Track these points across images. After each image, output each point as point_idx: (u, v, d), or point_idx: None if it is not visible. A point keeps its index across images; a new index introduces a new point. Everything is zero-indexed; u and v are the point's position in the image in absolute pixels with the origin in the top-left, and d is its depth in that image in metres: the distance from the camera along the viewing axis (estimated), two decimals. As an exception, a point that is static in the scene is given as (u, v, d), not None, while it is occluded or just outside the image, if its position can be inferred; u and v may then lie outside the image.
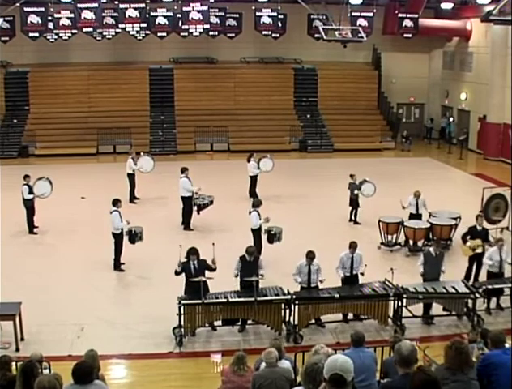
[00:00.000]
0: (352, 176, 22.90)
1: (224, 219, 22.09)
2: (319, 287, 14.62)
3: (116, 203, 18.34)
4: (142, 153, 25.73)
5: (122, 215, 18.14)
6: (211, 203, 21.95)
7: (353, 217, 22.71)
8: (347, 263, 15.01)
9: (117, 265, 18.21)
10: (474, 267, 16.60)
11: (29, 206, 21.33)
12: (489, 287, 14.92)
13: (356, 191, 22.34)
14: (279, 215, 22.28)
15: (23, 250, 19.46)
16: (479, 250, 16.54)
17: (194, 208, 21.57)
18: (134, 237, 18.14)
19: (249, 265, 14.40)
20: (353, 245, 15.06)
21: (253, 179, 25.03)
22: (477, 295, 14.50)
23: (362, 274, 14.93)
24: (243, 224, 19.49)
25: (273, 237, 18.22)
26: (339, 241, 18.90)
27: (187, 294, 14.00)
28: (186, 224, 21.51)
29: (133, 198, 24.49)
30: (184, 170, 21.74)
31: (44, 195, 21.52)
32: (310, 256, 14.39)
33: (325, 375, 5.59)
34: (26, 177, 21.56)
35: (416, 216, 20.19)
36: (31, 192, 21.25)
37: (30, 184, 21.40)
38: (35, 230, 21.38)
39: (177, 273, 14.30)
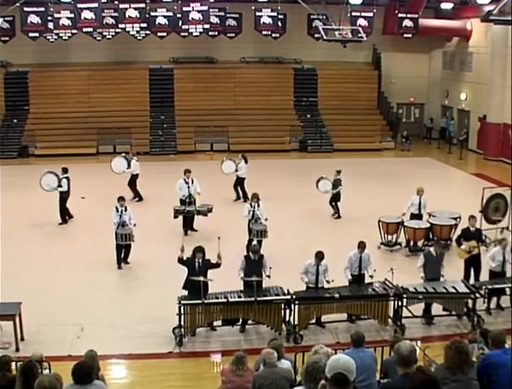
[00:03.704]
0: (338, 172, 23.43)
1: (224, 219, 22.01)
2: (325, 287, 14.64)
3: (118, 200, 18.98)
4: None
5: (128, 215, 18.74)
6: (202, 213, 21.22)
7: (337, 211, 23.37)
8: (355, 263, 15.07)
9: (118, 262, 18.47)
10: (472, 269, 16.52)
11: (66, 197, 22.30)
12: (490, 287, 14.93)
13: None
14: (279, 214, 22.34)
15: (22, 249, 19.44)
16: (475, 252, 16.50)
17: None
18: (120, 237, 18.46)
19: (254, 264, 14.43)
20: (362, 245, 15.11)
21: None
22: (477, 295, 14.51)
23: (371, 277, 14.94)
24: (242, 224, 19.57)
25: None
26: (339, 241, 18.98)
27: (186, 289, 14.06)
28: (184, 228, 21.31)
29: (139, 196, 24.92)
30: (185, 172, 21.67)
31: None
32: (319, 256, 14.39)
33: (327, 374, 5.60)
34: (64, 169, 22.57)
35: (418, 216, 20.16)
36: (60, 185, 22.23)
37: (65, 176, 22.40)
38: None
39: (179, 260, 14.38)
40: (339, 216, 23.29)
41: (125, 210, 18.85)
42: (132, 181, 25.05)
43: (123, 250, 18.61)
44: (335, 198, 23.32)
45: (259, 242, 18.37)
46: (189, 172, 21.58)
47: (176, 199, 21.52)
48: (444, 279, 14.98)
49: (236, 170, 25.04)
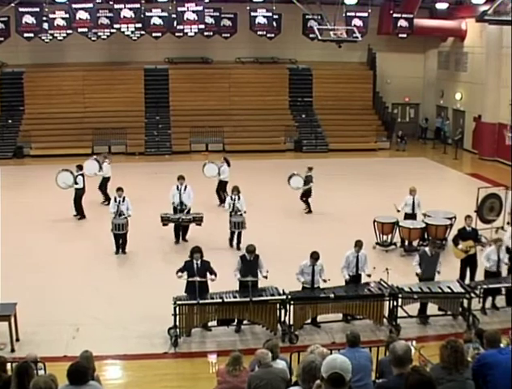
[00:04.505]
0: (310, 168, 23.98)
1: (220, 219, 21.99)
2: (321, 287, 14.62)
3: (116, 190, 19.72)
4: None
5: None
6: (186, 222, 20.42)
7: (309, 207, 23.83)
8: (352, 262, 15.08)
9: (117, 248, 19.29)
10: (468, 269, 16.55)
11: (81, 194, 22.98)
12: (485, 287, 14.95)
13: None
14: (274, 214, 22.40)
15: (18, 249, 19.37)
16: (472, 252, 16.53)
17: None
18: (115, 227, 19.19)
19: (250, 264, 14.44)
20: (358, 244, 15.14)
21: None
22: (472, 295, 14.52)
23: (369, 276, 14.95)
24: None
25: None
26: (334, 241, 18.94)
27: (188, 293, 14.01)
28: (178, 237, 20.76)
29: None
30: (178, 178, 20.80)
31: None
32: (314, 256, 14.38)
33: (323, 374, 5.60)
34: (79, 167, 23.16)
35: (411, 216, 20.16)
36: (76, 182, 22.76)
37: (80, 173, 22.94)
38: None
39: (178, 272, 14.38)
40: (309, 211, 23.72)
41: (123, 200, 19.39)
42: (103, 185, 24.60)
43: (120, 239, 19.25)
44: (306, 194, 23.68)
45: (239, 233, 19.58)
46: (182, 178, 20.69)
47: (169, 206, 20.98)
48: (439, 278, 14.99)
49: (219, 174, 24.41)
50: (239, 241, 19.70)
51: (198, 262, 14.22)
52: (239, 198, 19.93)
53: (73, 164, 23.85)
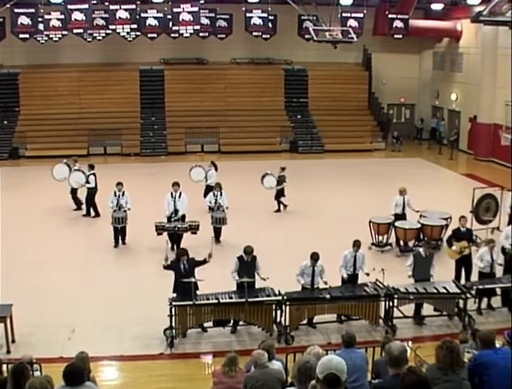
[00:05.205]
0: (283, 168, 24.30)
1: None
2: (321, 288, 14.63)
3: (116, 185, 20.22)
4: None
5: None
6: (182, 231, 19.55)
7: (281, 206, 24.01)
8: (350, 262, 15.15)
9: (115, 242, 19.80)
10: (463, 269, 16.54)
11: (93, 193, 23.18)
12: (480, 287, 14.96)
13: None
14: (270, 215, 22.36)
15: (15, 251, 19.32)
16: (466, 252, 16.53)
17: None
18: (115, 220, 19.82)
19: (247, 265, 14.44)
20: (357, 244, 15.19)
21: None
22: (468, 295, 14.54)
23: (368, 275, 14.97)
24: (233, 224, 19.56)
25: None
26: (330, 241, 18.92)
27: (176, 293, 14.02)
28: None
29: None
30: (173, 185, 20.09)
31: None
32: (314, 257, 14.39)
33: (319, 375, 5.61)
34: (91, 166, 23.58)
35: (402, 216, 20.15)
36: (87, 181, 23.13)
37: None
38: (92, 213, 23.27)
39: (165, 267, 14.51)
40: (284, 207, 24.02)
41: (123, 195, 19.91)
42: (74, 190, 23.94)
43: (119, 232, 19.78)
44: (280, 194, 23.83)
45: (219, 229, 19.91)
46: (177, 185, 19.93)
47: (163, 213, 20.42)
48: (433, 279, 15.00)
49: (206, 178, 23.69)
50: (218, 237, 19.89)
51: (185, 262, 14.24)
52: (221, 195, 20.28)
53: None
